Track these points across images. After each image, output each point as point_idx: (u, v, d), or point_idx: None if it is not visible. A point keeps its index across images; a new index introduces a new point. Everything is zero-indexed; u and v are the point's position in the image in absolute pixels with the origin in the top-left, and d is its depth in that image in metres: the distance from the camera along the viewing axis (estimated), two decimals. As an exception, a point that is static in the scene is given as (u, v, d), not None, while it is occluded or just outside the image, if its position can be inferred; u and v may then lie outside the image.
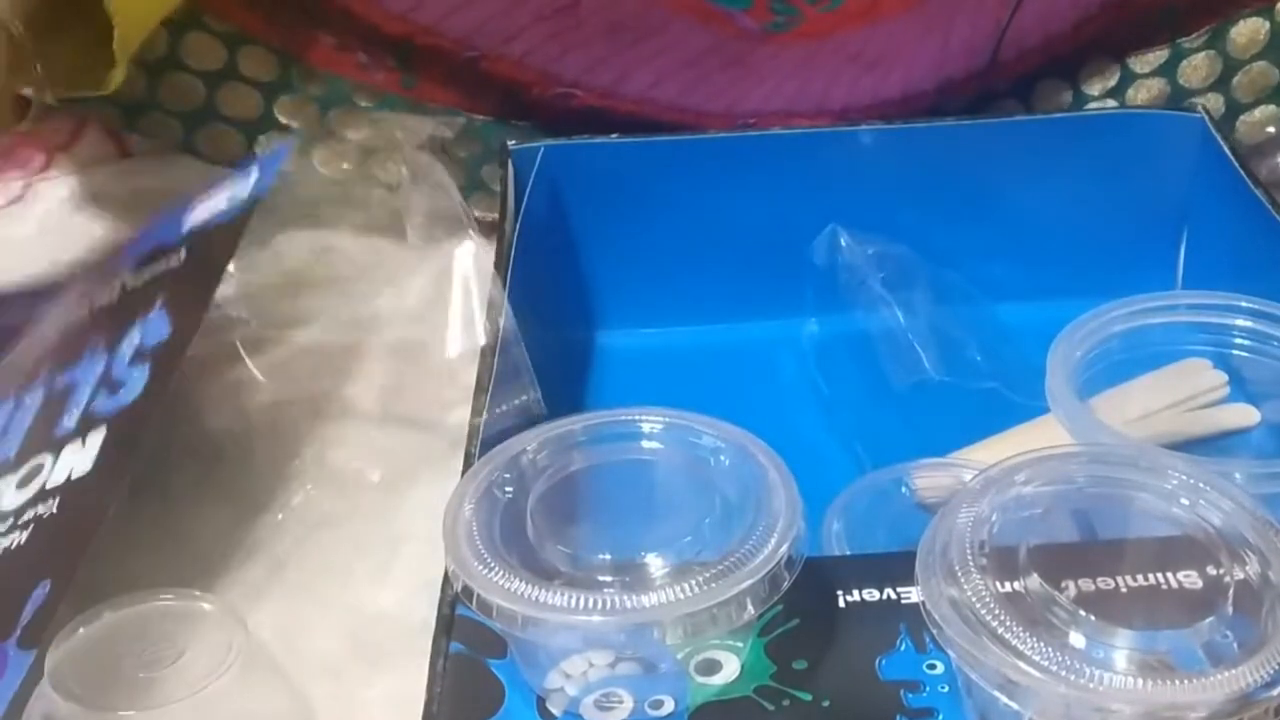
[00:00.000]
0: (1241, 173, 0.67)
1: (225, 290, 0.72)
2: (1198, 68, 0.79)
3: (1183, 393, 0.65)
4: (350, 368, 0.72)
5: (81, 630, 0.52)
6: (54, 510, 0.54)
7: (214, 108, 0.80)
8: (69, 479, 0.55)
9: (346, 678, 0.57)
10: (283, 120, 0.80)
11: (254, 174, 0.65)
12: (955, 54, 0.79)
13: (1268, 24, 0.78)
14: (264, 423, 0.68)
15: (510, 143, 0.70)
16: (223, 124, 0.81)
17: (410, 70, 0.80)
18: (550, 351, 0.61)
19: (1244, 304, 0.61)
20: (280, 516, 0.64)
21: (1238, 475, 0.51)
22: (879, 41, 0.77)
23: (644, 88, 0.76)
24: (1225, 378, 0.65)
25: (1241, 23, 0.78)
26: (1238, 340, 0.62)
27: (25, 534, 0.54)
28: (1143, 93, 0.80)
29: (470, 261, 0.65)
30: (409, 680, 0.48)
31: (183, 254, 0.63)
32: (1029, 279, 0.73)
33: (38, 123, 0.84)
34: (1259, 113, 0.79)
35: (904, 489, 0.62)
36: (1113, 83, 0.81)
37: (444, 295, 0.68)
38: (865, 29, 0.76)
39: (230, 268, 0.71)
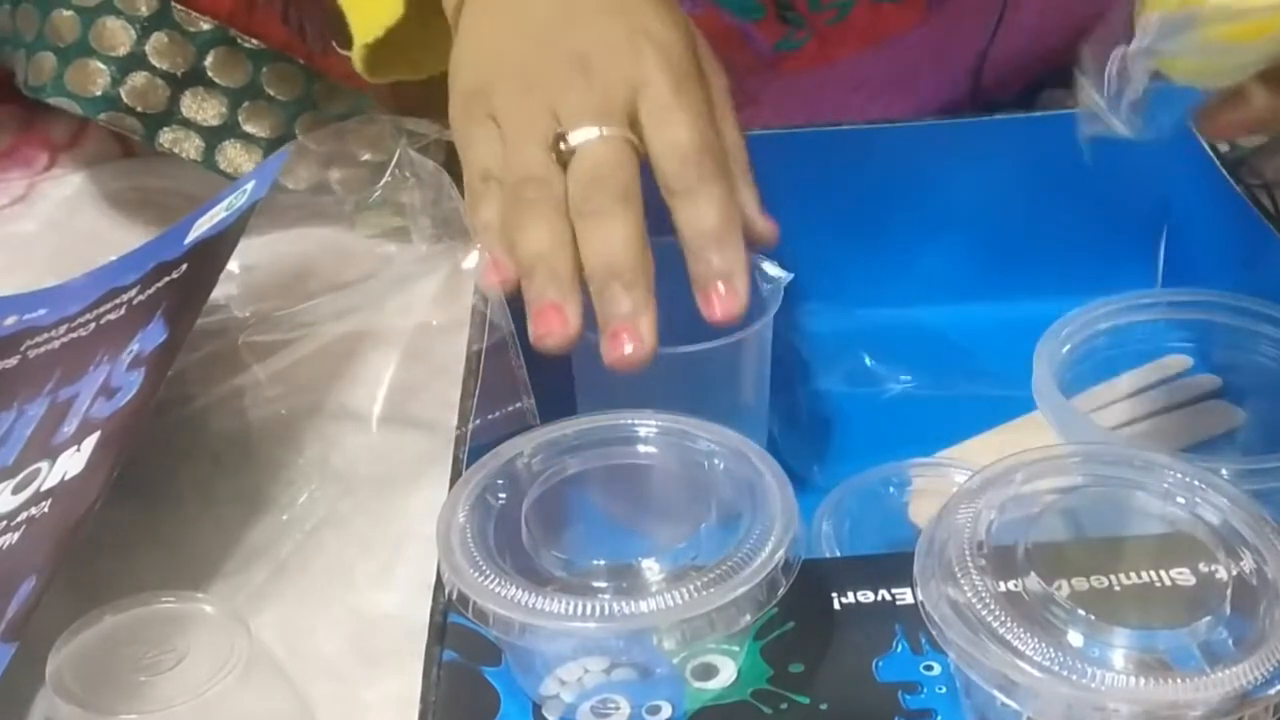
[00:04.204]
0: (1221, 170, 0.65)
1: (230, 292, 0.69)
2: None
3: (1173, 394, 0.62)
4: (354, 370, 0.69)
5: (83, 633, 0.49)
6: (46, 510, 0.53)
7: (236, 124, 0.78)
8: (62, 480, 0.54)
9: (348, 680, 0.54)
10: (301, 138, 0.78)
11: (251, 182, 0.63)
12: (956, 76, 0.77)
13: None
14: (267, 425, 0.65)
15: None
16: (243, 140, 0.78)
17: (432, 88, 0.77)
18: (539, 355, 0.58)
19: (1225, 301, 0.60)
20: (284, 518, 0.61)
21: (1224, 472, 0.48)
22: (883, 67, 0.75)
23: None
24: (1218, 380, 0.62)
25: None
26: (1219, 337, 0.60)
27: (17, 535, 0.52)
28: None
29: (474, 267, 0.62)
30: (411, 682, 0.46)
31: (184, 267, 0.62)
32: (1012, 278, 0.70)
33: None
34: None
35: (891, 489, 0.60)
36: None
37: (449, 299, 0.66)
38: (870, 50, 0.74)
39: (235, 269, 0.68)
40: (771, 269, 0.59)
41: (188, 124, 0.76)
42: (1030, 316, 0.60)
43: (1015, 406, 0.61)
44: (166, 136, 0.75)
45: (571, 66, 0.54)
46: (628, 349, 0.51)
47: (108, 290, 0.65)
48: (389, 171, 0.71)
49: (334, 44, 0.70)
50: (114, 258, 0.69)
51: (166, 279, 0.62)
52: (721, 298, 0.53)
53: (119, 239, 0.77)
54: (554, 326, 0.51)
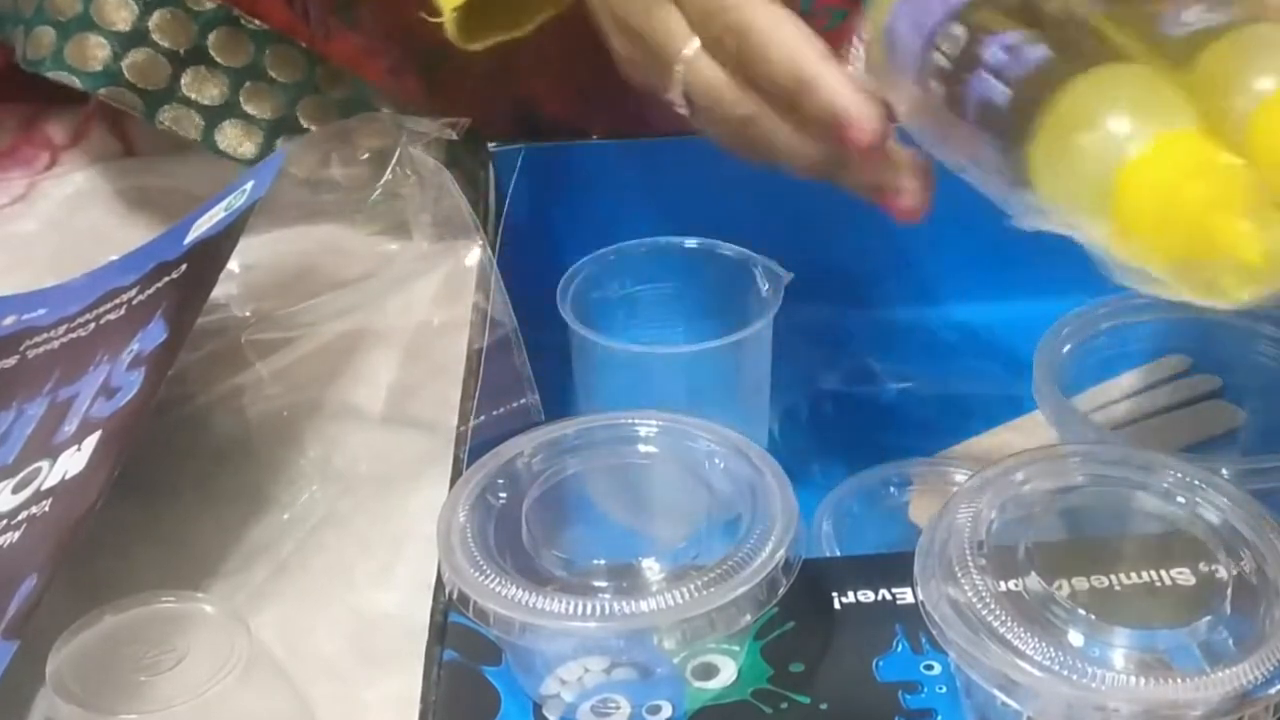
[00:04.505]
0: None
1: (230, 291, 0.69)
2: None
3: (1173, 394, 0.62)
4: (355, 369, 0.69)
5: (83, 633, 0.49)
6: (46, 510, 0.52)
7: (237, 103, 0.77)
8: (63, 479, 0.53)
9: (348, 680, 0.53)
10: (304, 123, 0.77)
11: (250, 182, 0.62)
12: None
13: None
14: (268, 423, 0.65)
15: (491, 145, 0.67)
16: (243, 121, 0.77)
17: (434, 79, 0.77)
18: (533, 354, 0.58)
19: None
20: (285, 517, 0.61)
21: (1225, 472, 0.48)
22: None
23: (659, 123, 0.74)
24: (1218, 380, 0.62)
25: None
26: (1219, 337, 0.60)
27: (18, 534, 0.52)
28: None
29: (475, 265, 0.62)
30: (411, 682, 0.46)
31: (184, 267, 0.61)
32: (1013, 278, 0.69)
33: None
34: None
35: (891, 489, 0.60)
36: None
37: (450, 298, 0.65)
38: None
39: (235, 268, 0.68)
40: (771, 269, 0.59)
41: (188, 103, 0.75)
42: (1030, 316, 0.60)
43: (1015, 406, 0.61)
44: (167, 114, 0.75)
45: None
46: (913, 199, 0.51)
47: (107, 290, 0.65)
48: (390, 169, 0.71)
49: (425, 13, 0.69)
50: (115, 257, 0.69)
51: (166, 279, 0.61)
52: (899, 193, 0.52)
53: (120, 238, 0.76)
54: (901, 205, 0.52)
